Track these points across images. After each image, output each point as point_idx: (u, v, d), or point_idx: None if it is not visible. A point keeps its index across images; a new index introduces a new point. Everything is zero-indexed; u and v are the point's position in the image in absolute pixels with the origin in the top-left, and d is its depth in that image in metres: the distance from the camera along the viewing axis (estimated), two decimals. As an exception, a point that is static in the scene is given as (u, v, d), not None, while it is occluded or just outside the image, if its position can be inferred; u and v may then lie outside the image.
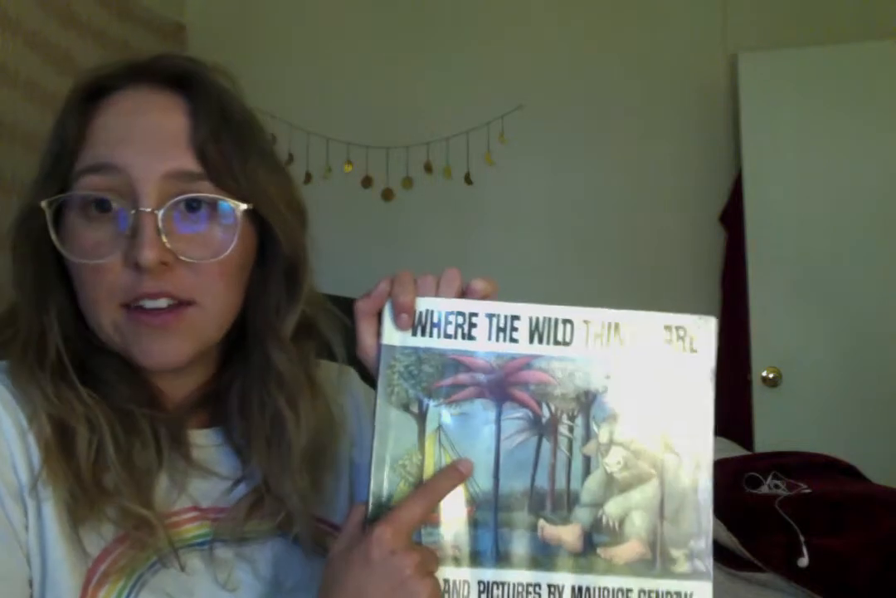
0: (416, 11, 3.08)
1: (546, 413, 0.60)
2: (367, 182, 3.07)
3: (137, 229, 0.60)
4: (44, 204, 0.62)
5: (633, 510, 0.60)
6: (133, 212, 0.61)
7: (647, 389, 0.61)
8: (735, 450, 2.29)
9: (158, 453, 0.64)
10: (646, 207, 2.98)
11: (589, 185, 3.01)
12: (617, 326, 0.61)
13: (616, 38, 2.99)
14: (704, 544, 0.60)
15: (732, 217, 2.84)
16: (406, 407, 0.59)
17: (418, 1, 3.09)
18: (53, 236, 0.63)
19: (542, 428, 0.59)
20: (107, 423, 0.62)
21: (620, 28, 2.99)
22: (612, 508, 0.60)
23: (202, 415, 0.71)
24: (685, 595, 0.59)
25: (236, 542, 0.66)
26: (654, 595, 0.59)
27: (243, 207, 0.64)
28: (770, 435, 2.60)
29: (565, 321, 0.61)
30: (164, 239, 0.60)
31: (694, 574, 0.59)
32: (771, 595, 1.53)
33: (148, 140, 0.63)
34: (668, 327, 0.61)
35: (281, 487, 0.67)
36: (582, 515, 0.59)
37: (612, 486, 0.60)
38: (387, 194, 3.07)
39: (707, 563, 0.60)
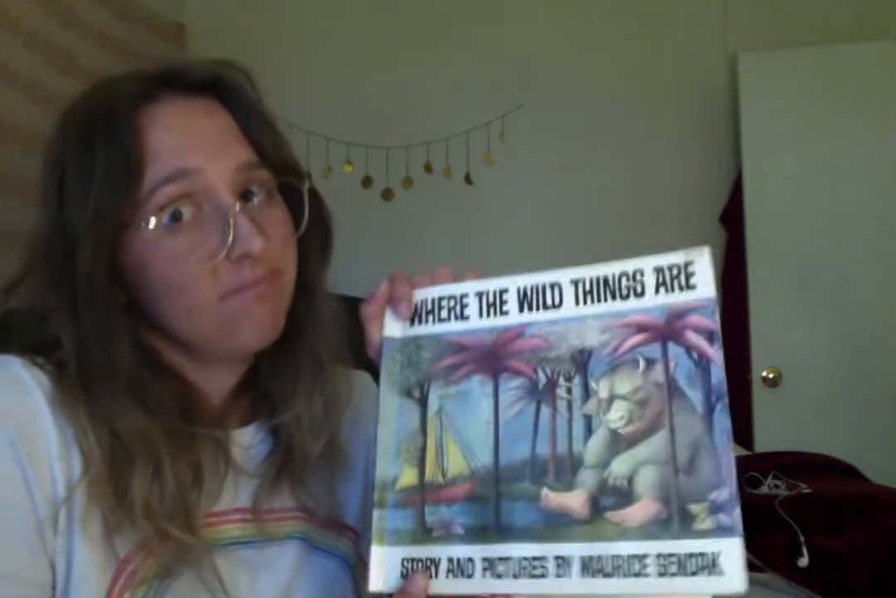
0: (416, 12, 3.08)
1: (542, 378, 0.57)
2: (367, 182, 3.07)
3: (235, 225, 0.63)
4: (152, 222, 0.63)
5: (641, 466, 0.54)
6: (227, 210, 0.64)
7: (646, 333, 0.56)
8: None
9: (204, 469, 0.65)
10: (645, 207, 2.98)
11: (589, 185, 3.00)
12: (605, 279, 0.59)
13: (616, 39, 2.99)
14: (728, 493, 0.52)
15: (732, 217, 2.84)
16: (408, 393, 0.60)
17: (418, 1, 3.09)
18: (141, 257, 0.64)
19: (540, 394, 0.57)
20: (165, 447, 0.62)
21: (620, 28, 2.99)
22: (619, 466, 0.54)
23: (243, 410, 0.73)
24: (711, 556, 0.50)
25: (260, 543, 0.68)
26: (673, 560, 0.51)
27: (306, 184, 0.70)
28: (770, 435, 2.60)
29: (553, 285, 0.59)
30: (257, 227, 0.64)
31: (718, 530, 0.51)
32: (771, 595, 1.53)
33: (211, 142, 0.66)
34: (658, 270, 0.59)
35: (305, 437, 0.70)
36: (587, 478, 0.54)
37: (618, 443, 0.55)
38: (387, 194, 3.07)
39: (734, 515, 0.51)
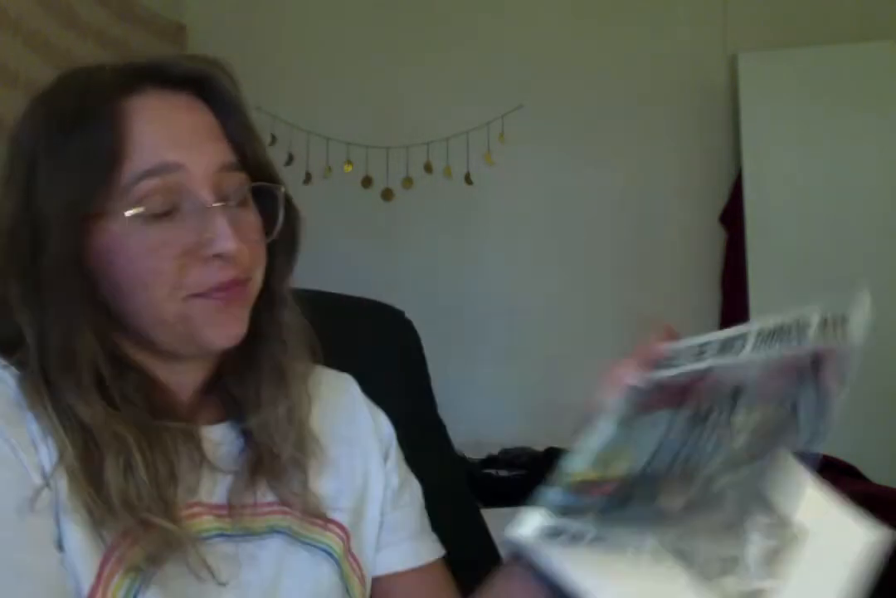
0: (415, 11, 3.08)
1: (705, 409, 0.66)
2: (367, 182, 3.07)
3: (211, 224, 0.63)
4: (129, 213, 0.62)
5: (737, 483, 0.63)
6: (206, 208, 0.63)
7: (793, 374, 0.64)
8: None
9: (178, 462, 0.66)
10: (645, 207, 2.99)
11: (589, 185, 3.01)
12: (780, 328, 0.66)
13: (616, 38, 2.99)
14: None
15: (732, 217, 2.84)
16: (622, 423, 0.69)
17: (418, 1, 3.09)
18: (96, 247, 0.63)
19: (699, 421, 0.65)
20: (134, 440, 0.62)
21: (620, 28, 2.99)
22: (719, 481, 0.63)
23: (214, 408, 0.73)
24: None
25: (240, 536, 0.68)
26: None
27: (282, 189, 0.70)
28: (770, 435, 2.60)
29: (742, 335, 0.68)
30: (232, 229, 0.64)
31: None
32: (771, 595, 1.53)
33: (194, 138, 0.65)
34: (823, 318, 0.65)
35: (273, 440, 0.71)
36: (694, 488, 0.63)
37: (735, 465, 0.63)
38: (387, 194, 3.07)
39: None
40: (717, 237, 2.94)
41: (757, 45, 2.82)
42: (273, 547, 0.69)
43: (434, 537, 0.84)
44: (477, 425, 2.84)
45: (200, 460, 0.68)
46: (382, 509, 0.80)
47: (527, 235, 3.04)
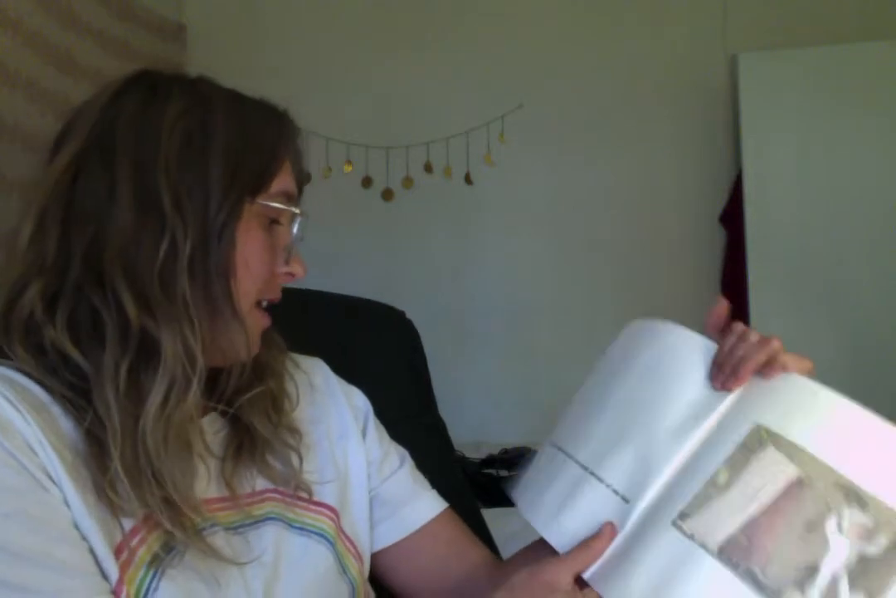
0: (416, 11, 3.08)
1: None
2: (367, 182, 3.07)
3: (297, 248, 0.73)
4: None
5: None
6: (292, 236, 0.73)
7: None
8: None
9: (189, 456, 0.67)
10: (646, 207, 2.98)
11: (589, 185, 3.01)
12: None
13: (616, 38, 2.99)
14: None
15: (732, 217, 2.84)
16: None
17: (419, 1, 3.09)
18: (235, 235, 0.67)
19: None
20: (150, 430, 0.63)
21: (620, 28, 2.99)
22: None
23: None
24: None
25: (238, 528, 0.69)
26: None
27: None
28: (770, 435, 2.60)
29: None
30: None
31: None
32: (771, 595, 1.52)
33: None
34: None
35: (259, 424, 0.74)
36: None
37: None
38: (387, 194, 3.07)
39: None
40: (717, 237, 2.93)
41: (757, 46, 2.82)
42: (269, 534, 0.71)
43: (432, 493, 0.86)
44: (477, 425, 2.84)
45: (205, 451, 0.69)
46: (369, 485, 0.82)
47: (527, 235, 3.04)
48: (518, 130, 3.00)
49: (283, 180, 0.72)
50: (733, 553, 0.57)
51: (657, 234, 2.98)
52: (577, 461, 0.72)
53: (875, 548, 0.53)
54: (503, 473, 2.37)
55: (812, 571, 0.53)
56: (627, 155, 2.98)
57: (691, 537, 0.59)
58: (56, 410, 0.61)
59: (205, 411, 0.73)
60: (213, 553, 0.63)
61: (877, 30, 2.74)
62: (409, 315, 1.14)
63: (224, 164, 0.66)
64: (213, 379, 0.72)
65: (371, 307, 1.14)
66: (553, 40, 3.01)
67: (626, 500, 0.67)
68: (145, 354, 0.63)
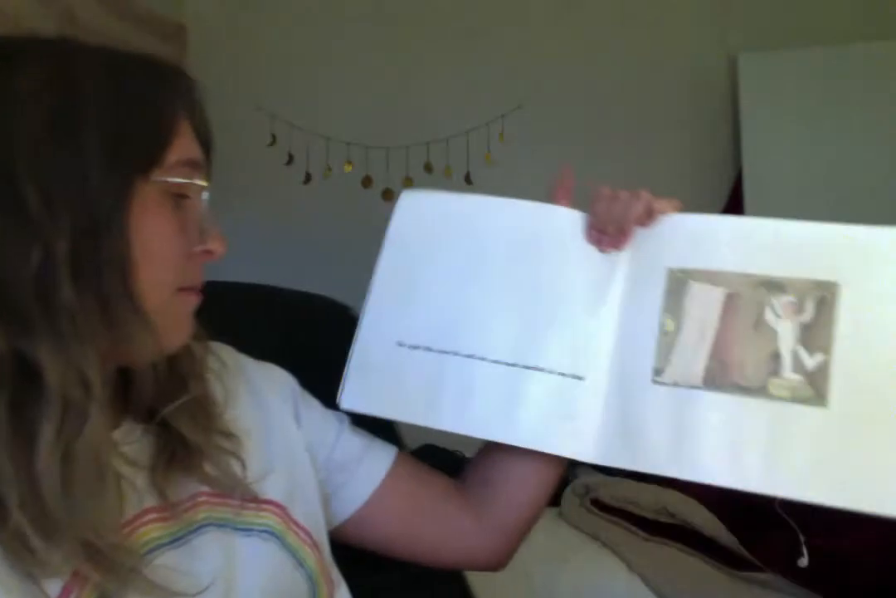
0: (416, 12, 3.08)
1: None
2: (367, 182, 3.06)
3: (212, 222, 0.64)
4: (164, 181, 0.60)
5: None
6: (206, 209, 0.64)
7: None
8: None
9: (107, 473, 0.59)
10: (646, 207, 2.98)
11: (588, 185, 3.00)
12: None
13: (616, 38, 2.99)
14: None
15: (732, 217, 2.84)
16: None
17: (418, 2, 3.09)
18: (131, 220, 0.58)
19: None
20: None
21: (620, 28, 2.98)
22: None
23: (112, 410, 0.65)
24: None
25: (179, 540, 0.64)
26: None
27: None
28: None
29: None
30: None
31: None
32: (771, 595, 1.53)
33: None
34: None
35: (186, 430, 0.67)
36: None
37: None
38: (387, 194, 3.06)
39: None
40: (717, 237, 2.93)
41: (757, 45, 2.81)
42: (211, 540, 0.66)
43: (378, 443, 0.84)
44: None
45: (128, 465, 0.63)
46: (319, 461, 0.79)
47: (527, 235, 3.03)
48: (518, 130, 3.00)
49: (182, 147, 0.61)
50: (716, 379, 0.66)
51: (657, 234, 2.98)
52: (495, 361, 0.72)
53: (808, 314, 0.64)
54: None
55: (776, 356, 0.65)
56: (627, 155, 2.98)
57: (676, 385, 0.67)
58: None
59: (119, 420, 0.65)
60: (158, 591, 0.57)
61: (876, 30, 2.74)
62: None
63: (100, 139, 0.56)
64: (132, 380, 0.65)
65: (315, 302, 1.12)
66: (553, 40, 3.00)
67: (578, 377, 0.69)
68: (26, 382, 0.53)
